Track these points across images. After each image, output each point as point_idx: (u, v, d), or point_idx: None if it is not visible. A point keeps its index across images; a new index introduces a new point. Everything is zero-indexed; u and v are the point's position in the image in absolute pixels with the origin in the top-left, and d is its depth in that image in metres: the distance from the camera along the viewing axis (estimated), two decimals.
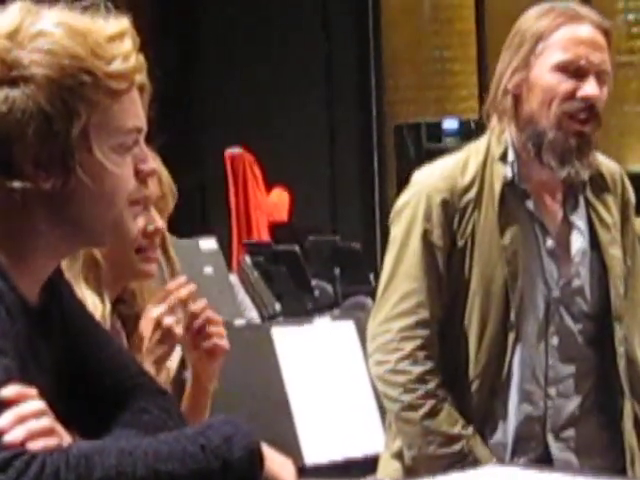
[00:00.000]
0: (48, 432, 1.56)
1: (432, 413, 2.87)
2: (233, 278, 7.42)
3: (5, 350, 1.60)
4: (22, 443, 1.51)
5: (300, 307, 9.45)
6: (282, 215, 14.26)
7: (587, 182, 2.95)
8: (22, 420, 1.54)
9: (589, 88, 2.80)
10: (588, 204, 2.95)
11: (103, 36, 1.70)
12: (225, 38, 16.84)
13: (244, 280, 8.67)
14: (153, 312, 2.43)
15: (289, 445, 3.16)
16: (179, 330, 2.43)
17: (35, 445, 1.52)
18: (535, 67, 2.86)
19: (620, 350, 2.93)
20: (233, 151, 14.42)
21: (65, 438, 1.59)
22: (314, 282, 10.78)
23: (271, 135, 15.62)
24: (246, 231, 13.85)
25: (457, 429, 2.88)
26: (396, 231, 2.97)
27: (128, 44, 1.72)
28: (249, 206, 14.27)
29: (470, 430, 2.89)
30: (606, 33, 2.89)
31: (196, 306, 2.47)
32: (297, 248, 10.99)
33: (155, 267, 2.46)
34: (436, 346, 2.92)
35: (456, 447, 2.86)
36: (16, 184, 1.64)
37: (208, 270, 5.88)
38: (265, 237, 13.33)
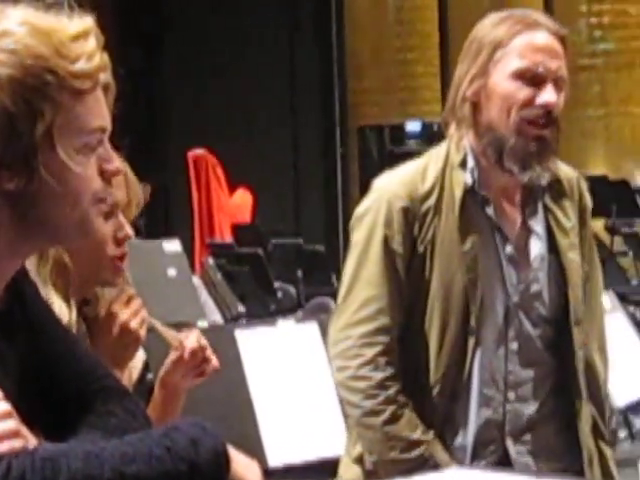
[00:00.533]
0: (14, 434, 1.55)
1: (393, 419, 2.89)
2: (196, 280, 7.41)
3: None
4: None
5: (263, 309, 9.47)
6: (245, 217, 14.27)
7: (546, 188, 2.97)
8: None
9: (547, 95, 2.84)
10: (546, 209, 2.97)
11: (67, 35, 1.69)
12: (191, 40, 16.87)
13: (207, 282, 8.67)
14: (120, 316, 2.44)
15: (253, 447, 3.17)
16: (143, 333, 2.45)
17: (1, 448, 1.52)
18: (493, 74, 2.87)
19: (579, 354, 2.95)
20: (196, 152, 14.42)
21: (31, 441, 1.59)
22: (277, 284, 10.81)
23: (234, 137, 15.64)
24: (209, 232, 13.85)
25: (417, 434, 2.89)
26: (357, 237, 2.97)
27: (92, 43, 1.71)
28: (212, 207, 14.27)
29: (430, 435, 2.90)
30: (562, 40, 2.93)
31: (193, 339, 2.50)
32: (260, 250, 11.00)
33: (120, 278, 2.46)
34: (396, 352, 2.93)
35: (416, 452, 2.87)
36: None
37: (172, 272, 5.86)
38: (228, 239, 13.32)
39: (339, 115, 18.26)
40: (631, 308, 7.45)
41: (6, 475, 1.51)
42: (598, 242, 12.32)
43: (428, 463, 2.84)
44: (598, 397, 3.06)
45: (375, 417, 2.87)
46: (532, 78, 2.84)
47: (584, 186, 3.13)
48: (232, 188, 14.60)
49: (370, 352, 2.88)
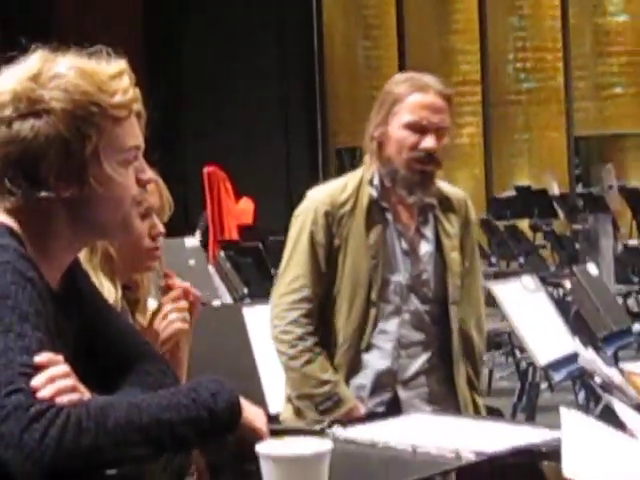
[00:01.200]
0: (72, 390, 1.57)
1: (309, 362, 3.09)
2: (210, 268, 7.42)
3: (39, 326, 1.60)
4: (52, 398, 1.52)
5: (263, 291, 9.49)
6: (248, 219, 14.28)
7: (436, 204, 3.21)
8: (52, 380, 1.55)
9: (428, 142, 3.08)
10: (436, 219, 3.24)
11: (106, 75, 1.75)
12: (203, 78, 16.81)
13: (219, 270, 8.68)
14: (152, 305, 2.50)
15: (257, 399, 3.15)
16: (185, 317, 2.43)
17: (62, 400, 1.53)
18: (391, 124, 3.12)
19: (454, 327, 3.20)
20: (209, 168, 14.44)
21: (85, 395, 1.59)
22: (273, 271, 10.84)
23: (241, 157, 15.58)
24: (220, 232, 13.86)
25: (327, 375, 3.10)
26: (292, 231, 3.24)
27: (126, 80, 1.77)
28: (222, 212, 14.28)
29: (337, 377, 3.11)
30: (447, 98, 3.17)
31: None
32: (260, 245, 11.03)
33: (157, 263, 2.49)
34: (316, 316, 3.16)
35: (326, 388, 3.07)
36: (42, 194, 1.69)
37: (192, 262, 5.95)
38: (235, 237, 13.34)
39: (321, 140, 18.26)
40: (550, 288, 7.46)
41: (66, 421, 1.52)
42: (523, 237, 12.44)
43: (334, 397, 3.06)
44: (473, 360, 3.29)
45: (296, 361, 3.10)
46: (418, 129, 3.09)
47: (469, 204, 3.39)
48: (238, 197, 14.59)
49: (295, 314, 3.14)
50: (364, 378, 3.14)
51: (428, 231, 3.21)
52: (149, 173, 1.89)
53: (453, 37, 17.98)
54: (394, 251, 3.17)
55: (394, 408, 3.07)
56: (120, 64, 1.78)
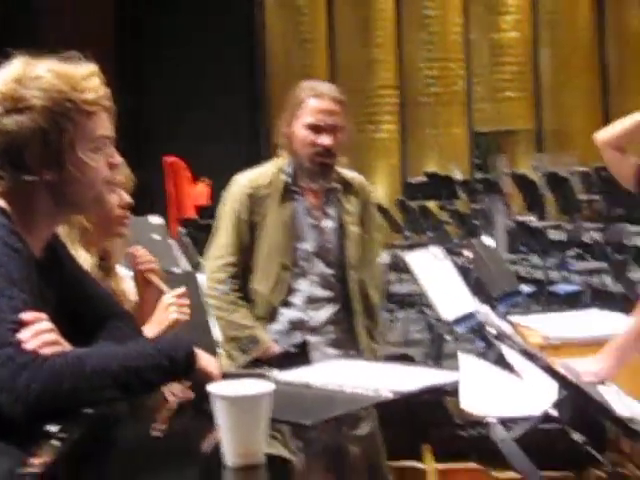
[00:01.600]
0: (54, 343, 1.59)
1: (233, 312, 3.24)
2: (172, 242, 7.35)
3: (25, 289, 1.62)
4: (37, 350, 1.54)
5: None
6: (203, 200, 14.21)
7: (340, 187, 3.34)
8: (37, 335, 1.56)
9: (324, 140, 3.19)
10: (339, 200, 3.32)
11: (79, 76, 1.76)
12: (167, 84, 16.65)
13: (179, 243, 8.63)
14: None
15: (209, 349, 3.20)
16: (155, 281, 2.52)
17: (45, 351, 1.55)
18: (295, 124, 3.24)
19: (353, 286, 3.31)
20: (170, 158, 14.40)
21: (65, 346, 1.61)
22: None
23: (196, 147, 15.49)
24: (180, 211, 13.85)
25: (248, 322, 3.24)
26: (221, 209, 3.41)
27: (96, 80, 1.78)
28: (181, 195, 14.29)
29: (257, 324, 3.25)
30: (340, 103, 3.27)
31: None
32: (213, 222, 11.02)
33: (127, 229, 2.56)
34: (239, 277, 3.30)
35: (247, 332, 3.21)
36: (27, 178, 1.71)
37: (156, 236, 5.91)
38: (193, 215, 13.28)
39: (263, 136, 18.20)
40: (454, 257, 7.48)
41: (49, 369, 1.54)
42: (432, 215, 12.54)
43: (254, 339, 3.20)
44: (372, 314, 3.40)
45: (223, 311, 3.25)
46: (316, 129, 3.18)
47: (369, 187, 3.56)
48: (195, 181, 14.58)
49: (223, 275, 3.28)
50: (280, 325, 3.27)
51: (331, 210, 3.32)
52: (117, 157, 1.89)
53: (374, 49, 17.96)
54: (303, 225, 3.28)
55: (304, 350, 3.23)
56: (91, 67, 1.80)
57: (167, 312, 2.43)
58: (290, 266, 3.25)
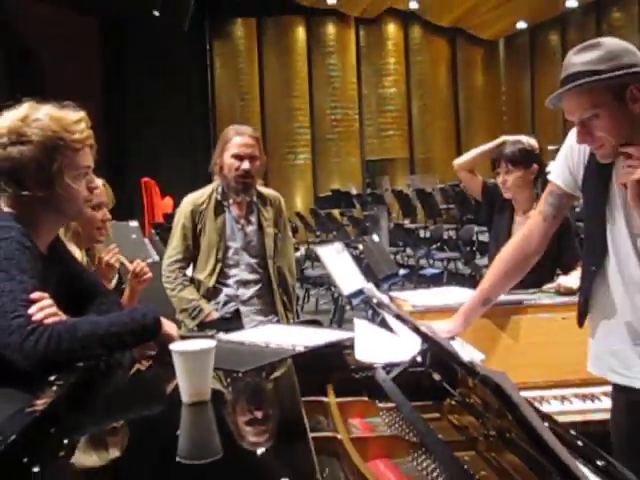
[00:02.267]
0: (54, 314, 1.57)
1: (181, 291, 3.24)
2: (145, 239, 7.25)
3: (32, 275, 1.60)
4: (41, 320, 1.52)
5: None
6: (169, 210, 14.02)
7: (258, 200, 3.33)
8: (41, 309, 1.54)
9: (245, 165, 3.20)
10: (258, 210, 3.33)
11: (70, 120, 1.74)
12: (145, 127, 16.38)
13: (151, 241, 8.52)
14: (104, 257, 2.56)
15: (171, 318, 3.19)
16: (117, 265, 2.59)
17: (48, 321, 1.53)
18: (224, 155, 3.23)
19: (273, 272, 3.31)
20: (145, 179, 14.21)
21: (63, 317, 1.59)
22: None
23: (165, 170, 15.29)
24: (152, 218, 13.67)
25: (193, 296, 3.22)
26: (175, 220, 3.36)
27: (83, 124, 1.76)
28: (153, 206, 14.12)
29: (201, 297, 3.23)
30: (256, 139, 3.26)
31: (138, 263, 2.61)
32: None
33: (104, 238, 2.62)
34: (186, 268, 3.31)
35: (193, 303, 3.19)
36: (25, 193, 1.70)
37: (134, 235, 5.87)
38: (161, 220, 13.12)
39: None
40: (351, 250, 7.53)
41: (51, 334, 1.52)
42: (336, 220, 12.62)
43: (198, 309, 3.18)
44: (287, 291, 3.38)
45: (175, 291, 3.27)
46: (239, 157, 3.19)
47: (280, 199, 3.46)
48: (163, 196, 14.41)
49: (174, 267, 3.28)
50: (219, 299, 3.27)
51: (253, 217, 3.32)
52: (96, 182, 1.87)
53: (293, 100, 18.01)
54: (232, 229, 3.27)
55: (237, 316, 3.22)
56: (81, 113, 1.77)
57: (136, 281, 2.56)
58: (222, 259, 3.25)
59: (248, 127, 3.33)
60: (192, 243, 3.27)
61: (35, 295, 1.55)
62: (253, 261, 3.29)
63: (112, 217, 2.65)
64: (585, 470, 0.97)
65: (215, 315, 3.20)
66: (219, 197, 3.26)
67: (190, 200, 3.31)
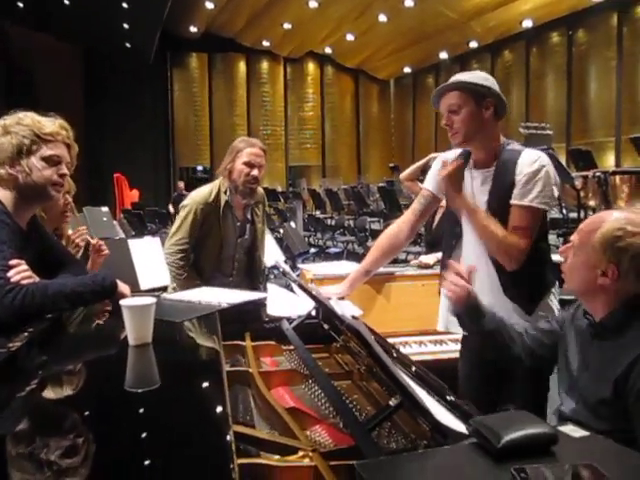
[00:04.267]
0: (29, 277, 1.50)
1: (182, 275, 2.81)
2: (115, 222, 7.01)
3: (12, 247, 1.53)
4: (18, 281, 1.46)
5: (140, 234, 9.11)
6: (135, 199, 13.67)
7: (254, 203, 2.95)
8: (18, 272, 1.49)
9: (254, 172, 2.79)
10: (252, 209, 2.95)
11: (45, 121, 1.66)
12: (119, 133, 15.80)
13: (120, 223, 8.25)
14: (72, 237, 2.35)
15: (133, 282, 3.02)
16: (82, 243, 2.34)
17: (23, 282, 1.47)
18: (237, 162, 2.79)
19: (257, 260, 2.98)
20: (117, 174, 13.74)
21: (36, 279, 1.53)
22: (149, 226, 10.42)
23: (134, 166, 14.82)
24: (121, 205, 13.21)
25: (194, 277, 2.81)
26: (182, 213, 2.84)
27: (59, 126, 1.68)
28: (123, 196, 13.65)
29: (198, 280, 2.79)
30: (263, 150, 2.86)
31: (97, 241, 2.35)
32: (141, 212, 10.56)
33: (70, 219, 2.36)
34: (190, 258, 2.84)
35: (196, 282, 2.78)
36: (1, 171, 1.62)
37: (105, 219, 5.57)
38: (129, 207, 12.71)
39: (172, 162, 17.60)
40: (275, 233, 7.48)
41: (25, 293, 1.45)
42: (278, 212, 12.55)
43: (196, 284, 2.75)
44: (262, 271, 3.07)
45: (177, 275, 2.82)
46: (249, 165, 2.81)
47: (265, 198, 3.08)
48: (131, 189, 13.95)
49: (179, 255, 2.81)
50: (214, 283, 2.87)
51: (249, 216, 2.99)
52: (64, 170, 1.71)
53: (235, 118, 17.86)
54: (234, 226, 2.93)
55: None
56: (58, 120, 1.69)
57: (96, 255, 2.33)
58: (223, 250, 2.87)
59: (257, 139, 2.98)
60: (199, 236, 2.90)
61: (13, 261, 1.49)
62: (244, 252, 3.01)
63: (89, 204, 2.49)
64: (420, 390, 1.01)
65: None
66: (227, 199, 2.88)
67: (200, 199, 2.88)
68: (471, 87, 1.98)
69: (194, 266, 2.90)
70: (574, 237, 1.49)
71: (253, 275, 3.02)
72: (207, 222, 2.84)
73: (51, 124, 1.66)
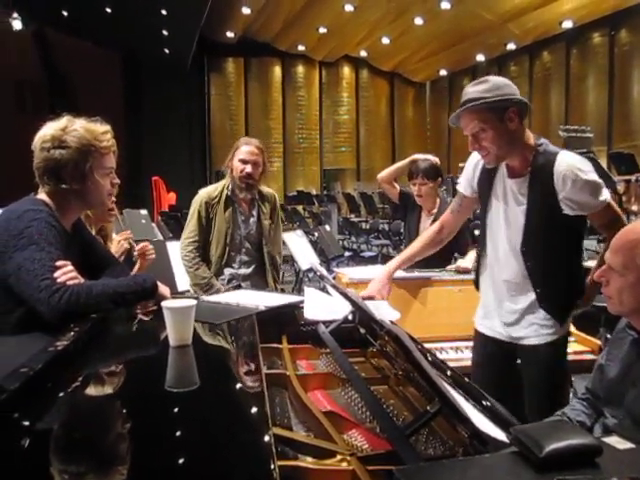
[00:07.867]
0: (74, 278, 1.53)
1: (197, 269, 3.02)
2: (154, 225, 7.14)
3: (58, 248, 1.56)
4: (64, 282, 1.49)
5: (178, 236, 9.16)
6: (173, 202, 13.84)
7: (259, 197, 3.11)
8: (64, 273, 1.51)
9: (249, 169, 3.00)
10: (258, 205, 3.10)
11: (99, 131, 1.68)
12: (157, 138, 16.07)
13: (158, 226, 8.37)
14: (117, 238, 2.49)
15: (172, 285, 3.11)
16: (126, 245, 2.47)
17: (69, 282, 1.51)
18: (234, 160, 3.01)
19: (266, 255, 3.09)
20: (155, 178, 13.97)
21: (81, 280, 1.56)
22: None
23: (171, 171, 15.04)
24: (159, 207, 13.42)
25: (206, 274, 3.01)
26: (191, 209, 3.09)
27: (109, 135, 1.72)
28: (160, 199, 13.86)
29: (211, 275, 3.02)
30: (259, 149, 3.02)
31: (144, 245, 2.47)
32: (179, 214, 10.73)
33: (113, 219, 2.48)
34: (200, 250, 3.05)
35: (205, 280, 2.99)
36: (63, 186, 1.67)
37: (143, 221, 5.69)
38: (166, 209, 12.90)
39: (209, 166, 17.80)
40: (309, 236, 7.52)
41: (71, 293, 1.48)
42: (300, 213, 12.56)
43: (209, 284, 2.98)
44: (276, 269, 3.16)
45: (191, 268, 3.05)
46: (245, 162, 2.96)
47: (276, 197, 3.22)
48: (168, 191, 14.15)
49: (190, 247, 3.04)
50: (224, 277, 3.08)
51: (254, 211, 3.11)
52: (116, 179, 1.80)
53: (270, 121, 17.91)
54: (237, 220, 3.07)
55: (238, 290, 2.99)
56: (107, 127, 1.73)
57: (143, 259, 2.41)
58: (229, 244, 3.04)
59: (256, 140, 3.12)
60: (205, 229, 3.05)
61: (59, 263, 1.53)
62: (252, 246, 3.13)
63: (129, 207, 2.58)
64: (459, 396, 1.00)
65: (222, 290, 2.95)
66: (229, 193, 3.06)
67: (205, 194, 3.08)
68: (489, 105, 1.86)
69: (205, 259, 3.05)
70: (610, 258, 1.45)
71: (264, 270, 3.12)
72: (212, 215, 3.03)
73: (104, 134, 1.71)
